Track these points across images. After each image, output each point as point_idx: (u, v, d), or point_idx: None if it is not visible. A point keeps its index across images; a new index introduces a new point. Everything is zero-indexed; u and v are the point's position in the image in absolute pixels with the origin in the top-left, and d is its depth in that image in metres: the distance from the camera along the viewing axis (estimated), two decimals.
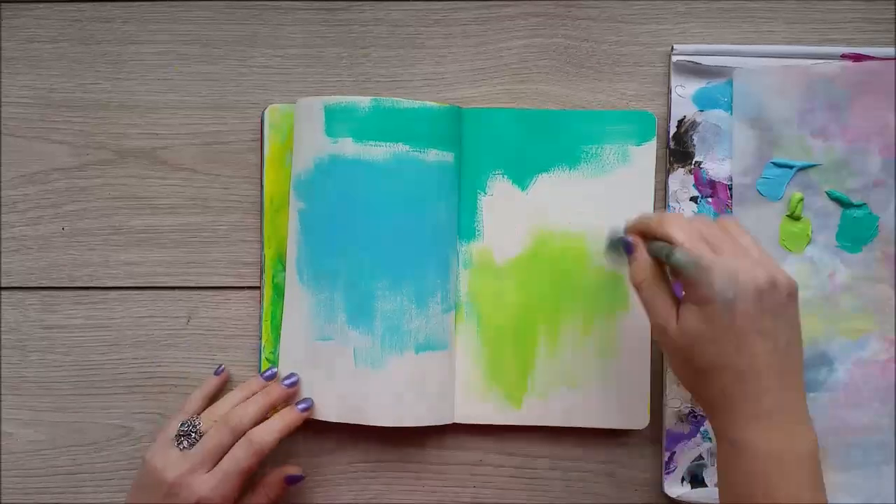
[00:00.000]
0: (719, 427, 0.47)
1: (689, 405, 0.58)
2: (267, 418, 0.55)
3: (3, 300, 0.60)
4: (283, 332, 0.58)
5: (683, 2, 0.59)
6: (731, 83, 0.58)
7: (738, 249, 0.47)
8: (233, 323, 0.60)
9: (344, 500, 0.59)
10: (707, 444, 0.58)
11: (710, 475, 0.58)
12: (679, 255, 0.46)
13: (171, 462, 0.52)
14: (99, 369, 0.60)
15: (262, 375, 0.58)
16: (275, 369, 0.58)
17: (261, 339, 0.59)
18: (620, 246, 0.51)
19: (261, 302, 0.59)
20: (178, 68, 0.60)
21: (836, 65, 0.58)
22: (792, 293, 0.46)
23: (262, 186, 0.59)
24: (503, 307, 0.58)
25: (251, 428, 0.54)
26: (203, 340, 0.60)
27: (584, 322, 0.58)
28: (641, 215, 0.51)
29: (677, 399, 0.58)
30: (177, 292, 0.60)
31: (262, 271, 0.59)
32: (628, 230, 0.51)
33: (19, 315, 0.60)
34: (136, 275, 0.60)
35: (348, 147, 0.56)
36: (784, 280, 0.46)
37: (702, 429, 0.58)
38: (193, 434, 0.54)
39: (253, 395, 0.56)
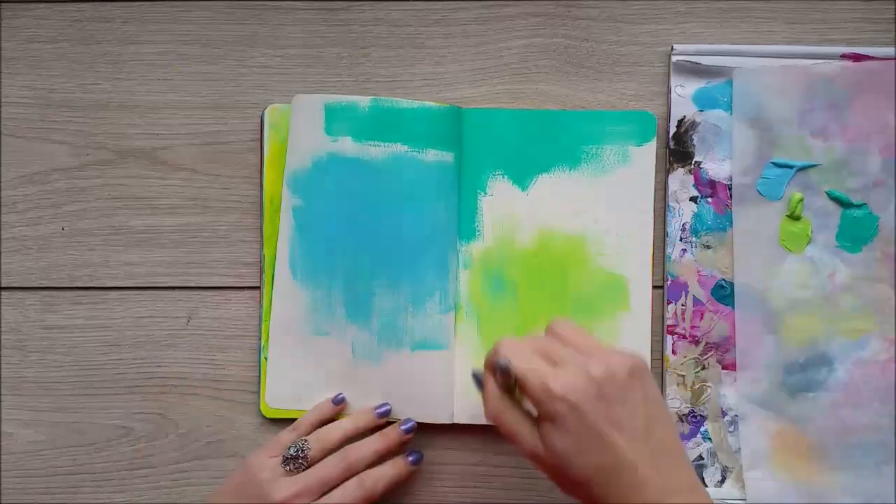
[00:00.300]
0: None
1: (689, 405, 0.58)
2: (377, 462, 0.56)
3: (3, 300, 0.60)
4: (272, 327, 0.58)
5: (683, 2, 0.59)
6: (730, 83, 0.58)
7: (574, 354, 0.47)
8: (233, 323, 0.60)
9: (344, 501, 0.59)
10: (707, 444, 0.58)
11: (710, 475, 0.58)
12: (503, 363, 0.47)
13: (280, 482, 0.53)
14: (99, 369, 0.60)
15: (375, 412, 0.57)
16: (388, 407, 0.57)
17: (260, 339, 0.59)
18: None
19: (261, 302, 0.59)
20: (178, 68, 0.60)
21: (836, 65, 0.58)
22: (634, 371, 0.46)
23: (261, 186, 0.59)
24: (503, 308, 0.58)
25: (364, 469, 0.55)
26: (203, 340, 0.60)
27: (584, 323, 0.58)
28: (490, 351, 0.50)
29: (677, 399, 0.58)
30: (177, 292, 0.60)
31: (262, 271, 0.59)
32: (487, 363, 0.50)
33: (19, 315, 0.60)
34: (136, 275, 0.60)
35: (348, 146, 0.57)
36: (620, 363, 0.45)
37: (702, 429, 0.58)
38: (301, 458, 0.54)
39: (363, 427, 0.56)
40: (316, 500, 0.53)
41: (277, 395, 0.59)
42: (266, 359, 0.59)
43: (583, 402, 0.44)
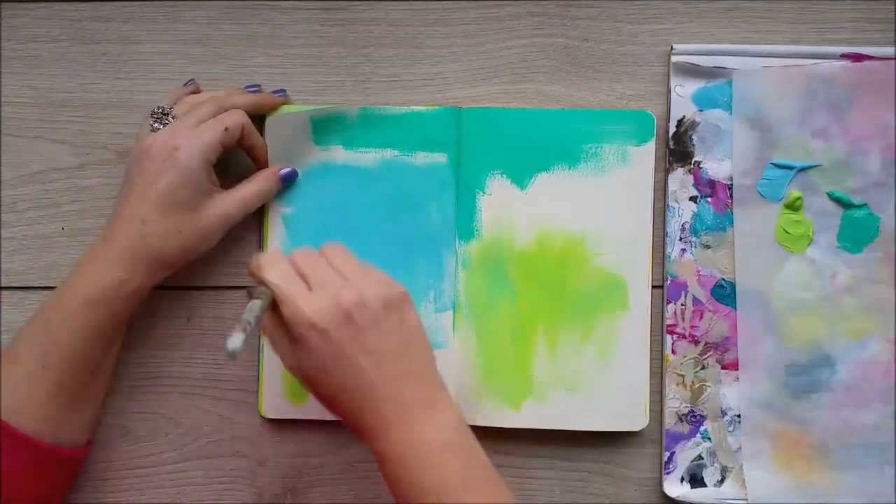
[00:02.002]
0: (367, 444, 0.49)
1: (689, 405, 0.58)
2: None
3: (3, 300, 0.60)
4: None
5: (683, 2, 0.59)
6: (730, 83, 0.58)
7: (332, 278, 0.48)
8: (233, 323, 0.60)
9: (344, 500, 0.59)
10: (707, 444, 0.58)
11: (710, 475, 0.58)
12: (252, 303, 0.48)
13: (151, 134, 0.54)
14: None
15: (246, 88, 0.59)
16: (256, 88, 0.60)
17: (260, 339, 0.59)
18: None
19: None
20: (178, 68, 0.60)
21: (836, 65, 0.57)
22: (390, 304, 0.49)
23: None
24: (502, 307, 0.58)
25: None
26: (203, 340, 0.60)
27: (583, 323, 0.58)
28: (254, 258, 0.51)
29: (677, 399, 0.58)
30: (177, 292, 0.60)
31: None
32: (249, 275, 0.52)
33: (19, 315, 0.60)
34: None
35: (339, 154, 0.58)
36: (375, 293, 0.48)
37: (701, 429, 0.58)
38: (169, 115, 0.55)
39: (236, 97, 0.57)
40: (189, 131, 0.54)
41: (274, 405, 0.59)
42: (262, 361, 0.59)
43: (329, 328, 0.47)
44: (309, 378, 0.49)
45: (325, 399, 0.50)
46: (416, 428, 0.48)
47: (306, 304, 0.47)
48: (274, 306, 0.49)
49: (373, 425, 0.48)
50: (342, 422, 0.50)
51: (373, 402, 0.48)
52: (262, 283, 0.49)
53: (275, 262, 0.49)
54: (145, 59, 0.60)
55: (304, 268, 0.49)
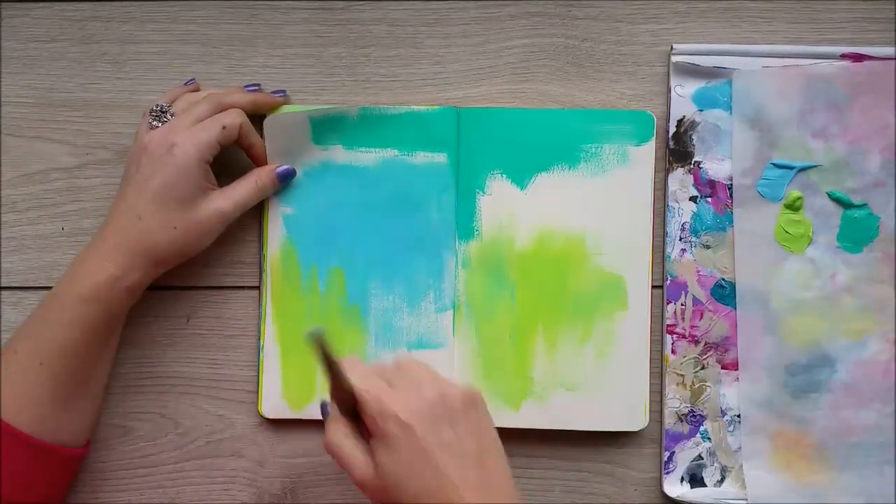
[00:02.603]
0: None
1: (689, 405, 0.58)
2: None
3: (3, 300, 0.60)
4: (279, 338, 0.59)
5: (683, 2, 0.59)
6: (730, 83, 0.58)
7: (411, 378, 0.48)
8: (233, 323, 0.60)
9: (344, 500, 0.59)
10: (706, 444, 0.58)
11: (710, 475, 0.58)
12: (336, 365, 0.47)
13: (149, 131, 0.55)
14: None
15: (245, 87, 0.59)
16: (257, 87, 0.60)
17: (260, 339, 0.59)
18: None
19: (260, 302, 0.59)
20: (178, 68, 0.60)
21: (837, 65, 0.57)
22: (469, 401, 0.47)
23: None
24: (502, 307, 0.58)
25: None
26: (203, 340, 0.60)
27: (582, 323, 0.58)
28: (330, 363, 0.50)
29: (676, 399, 0.58)
30: (177, 292, 0.60)
31: (261, 271, 0.59)
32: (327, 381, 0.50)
33: (19, 315, 0.60)
34: None
35: (339, 154, 0.58)
36: (456, 392, 0.47)
37: (701, 429, 0.58)
38: (168, 112, 0.56)
39: (235, 94, 0.58)
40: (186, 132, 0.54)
41: (274, 405, 0.59)
42: (262, 361, 0.59)
43: (415, 422, 0.45)
44: (388, 483, 0.46)
45: None
46: None
47: (391, 399, 0.46)
48: (354, 422, 0.48)
49: None
50: None
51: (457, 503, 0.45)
52: (340, 381, 0.48)
53: (354, 365, 0.48)
54: (145, 59, 0.60)
55: (382, 372, 0.49)
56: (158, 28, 0.60)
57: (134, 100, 0.60)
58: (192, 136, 0.54)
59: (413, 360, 0.50)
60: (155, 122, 0.55)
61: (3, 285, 0.60)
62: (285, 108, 0.59)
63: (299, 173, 0.58)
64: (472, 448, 0.46)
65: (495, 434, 0.48)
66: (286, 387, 0.59)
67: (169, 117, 0.55)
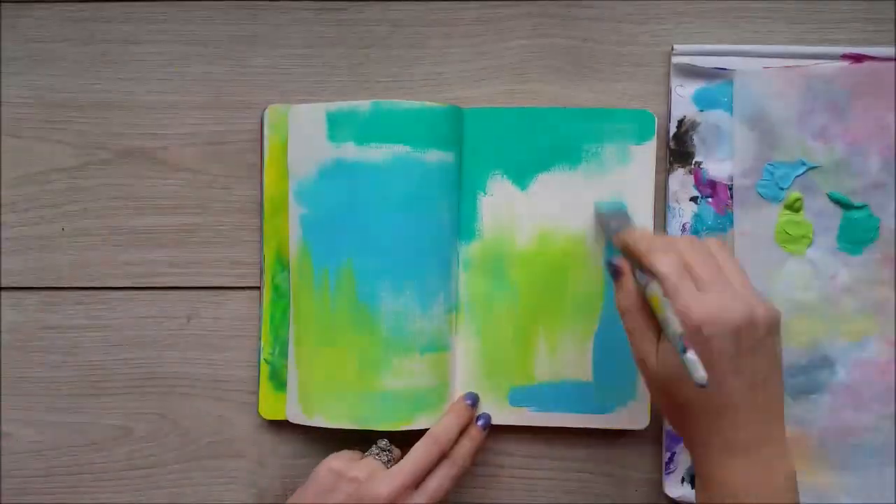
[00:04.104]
0: (696, 461, 0.47)
1: None
2: None
3: (3, 300, 0.60)
4: (295, 339, 0.58)
5: (683, 2, 0.59)
6: (731, 84, 0.58)
7: (721, 281, 0.46)
8: (233, 323, 0.60)
9: (344, 500, 0.59)
10: None
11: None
12: (659, 298, 0.46)
13: (378, 476, 0.52)
14: (99, 369, 0.60)
15: (465, 400, 0.58)
16: (476, 395, 0.58)
17: (260, 339, 0.59)
18: (608, 231, 0.51)
19: (261, 302, 0.59)
20: (178, 68, 0.60)
21: (837, 65, 0.57)
22: (771, 328, 0.46)
23: (261, 186, 0.59)
24: (503, 308, 0.58)
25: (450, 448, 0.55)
26: (203, 340, 0.60)
27: (583, 322, 0.58)
28: (634, 234, 0.50)
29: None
30: (177, 292, 0.60)
31: (262, 271, 0.59)
32: (618, 245, 0.51)
33: (19, 315, 0.60)
34: (136, 275, 0.60)
35: (350, 151, 0.56)
36: (763, 315, 0.45)
37: None
38: (391, 450, 0.55)
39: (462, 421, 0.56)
40: (416, 488, 0.52)
41: (294, 412, 0.59)
42: (266, 360, 0.59)
43: (716, 338, 0.44)
44: (666, 380, 0.46)
45: (674, 406, 0.47)
46: (763, 467, 0.45)
47: (697, 306, 0.44)
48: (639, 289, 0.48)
49: (719, 447, 0.46)
50: (676, 431, 0.48)
51: (729, 425, 0.45)
52: (644, 266, 0.47)
53: (667, 253, 0.47)
54: (145, 59, 0.60)
55: (693, 262, 0.46)
56: (158, 28, 0.60)
57: (134, 100, 0.60)
58: None
59: (724, 248, 0.49)
60: (383, 459, 0.55)
61: (3, 285, 0.60)
62: (301, 106, 0.58)
63: (314, 171, 0.57)
64: (761, 374, 0.45)
65: (781, 360, 0.47)
66: (302, 391, 0.58)
67: (394, 455, 0.55)
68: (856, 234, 0.57)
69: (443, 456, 0.54)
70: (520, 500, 0.59)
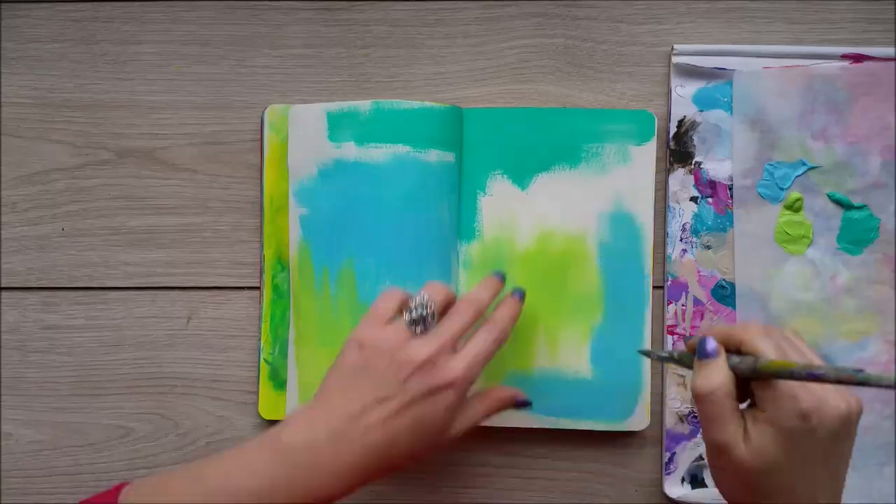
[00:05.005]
0: None
1: (690, 406, 0.58)
2: None
3: (3, 300, 0.60)
4: (296, 339, 0.58)
5: (683, 2, 0.59)
6: (731, 84, 0.58)
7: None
8: (233, 323, 0.60)
9: (343, 500, 0.59)
10: None
11: (710, 476, 0.58)
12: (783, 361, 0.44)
13: (413, 344, 0.48)
14: (99, 369, 0.60)
15: (493, 275, 0.54)
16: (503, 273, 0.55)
17: (260, 339, 0.59)
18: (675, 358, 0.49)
19: (261, 302, 0.59)
20: (178, 68, 0.60)
21: (837, 65, 0.57)
22: (851, 421, 0.44)
23: (261, 186, 0.59)
24: None
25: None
26: (203, 340, 0.60)
27: (583, 323, 0.58)
28: (720, 326, 0.49)
29: (677, 399, 0.58)
30: (177, 292, 0.60)
31: (261, 272, 0.59)
32: (707, 333, 0.47)
33: (19, 315, 0.60)
34: (136, 275, 0.60)
35: (351, 150, 0.56)
36: (857, 408, 0.43)
37: None
38: (429, 317, 0.49)
39: (493, 293, 0.53)
40: (454, 353, 0.49)
41: (273, 406, 0.59)
42: (266, 360, 0.59)
43: (821, 430, 0.42)
44: (756, 468, 0.43)
45: (751, 492, 0.44)
46: None
47: (803, 393, 0.42)
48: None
49: None
50: None
51: None
52: (739, 346, 0.45)
53: (767, 337, 0.45)
54: (145, 59, 0.60)
55: (785, 348, 0.45)
56: (158, 28, 0.60)
57: (134, 100, 0.60)
58: (466, 373, 0.49)
59: (803, 339, 0.47)
60: (418, 329, 0.49)
61: (3, 285, 0.60)
62: (301, 105, 0.58)
63: (315, 171, 0.57)
64: (843, 466, 0.44)
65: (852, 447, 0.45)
66: (302, 391, 0.58)
67: (431, 322, 0.50)
68: (856, 234, 0.57)
69: (478, 318, 0.51)
70: (520, 500, 0.59)
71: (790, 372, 0.42)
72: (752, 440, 0.43)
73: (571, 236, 0.58)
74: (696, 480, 0.58)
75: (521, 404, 0.55)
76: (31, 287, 0.60)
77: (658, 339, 0.59)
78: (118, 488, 0.47)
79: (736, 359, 0.45)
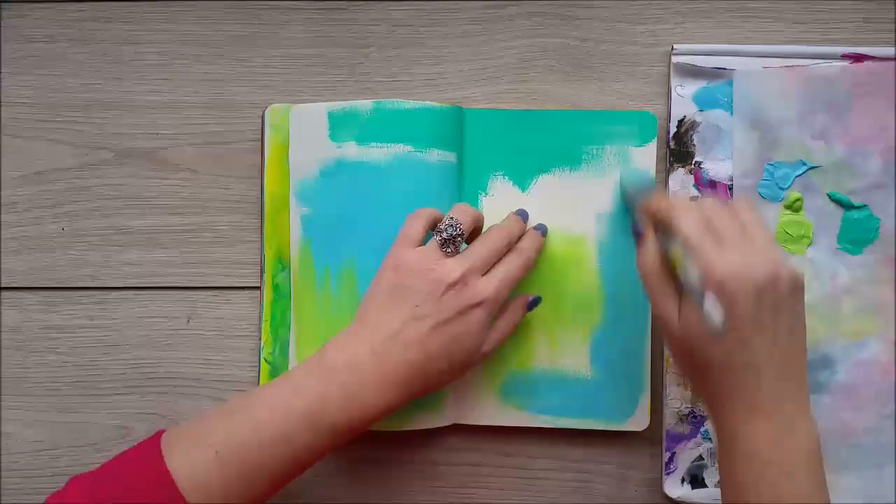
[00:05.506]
0: (718, 422, 0.47)
1: (690, 405, 0.58)
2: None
3: (3, 300, 0.60)
4: (296, 339, 0.58)
5: (683, 2, 0.59)
6: (731, 84, 0.58)
7: (743, 240, 0.46)
8: (233, 323, 0.60)
9: (344, 501, 0.59)
10: (707, 445, 0.58)
11: (711, 476, 0.58)
12: (681, 255, 0.46)
13: (446, 264, 0.51)
14: (99, 369, 0.60)
15: (515, 213, 0.57)
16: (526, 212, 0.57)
17: (260, 339, 0.59)
18: (632, 208, 0.53)
19: (261, 302, 0.59)
20: (178, 68, 0.60)
21: (837, 65, 0.57)
22: (796, 287, 0.46)
23: (262, 186, 0.59)
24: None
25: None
26: (203, 340, 0.60)
27: (583, 324, 0.58)
28: (658, 198, 0.51)
29: (677, 399, 0.58)
30: (177, 292, 0.60)
31: (262, 271, 0.59)
32: (641, 211, 0.51)
33: (19, 315, 0.60)
34: (136, 275, 0.60)
35: (351, 150, 0.56)
36: (787, 275, 0.46)
37: (702, 429, 0.58)
38: (458, 237, 0.51)
39: (516, 227, 0.56)
40: (483, 275, 0.52)
41: None
42: (266, 360, 0.59)
43: (738, 297, 0.44)
44: (688, 342, 0.46)
45: (694, 367, 0.47)
46: (785, 427, 0.45)
47: (720, 263, 0.45)
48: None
49: (741, 408, 0.46)
50: (694, 391, 0.48)
51: (751, 385, 0.45)
52: (667, 227, 0.48)
53: (690, 212, 0.47)
54: (145, 59, 0.60)
55: (716, 221, 0.47)
56: (158, 28, 0.60)
57: (134, 100, 0.60)
58: (497, 294, 0.51)
59: (750, 207, 0.49)
60: (448, 250, 0.51)
61: (3, 285, 0.60)
62: (302, 105, 0.58)
63: (316, 171, 0.57)
64: (783, 335, 0.45)
65: (805, 322, 0.47)
66: None
67: (461, 242, 0.52)
68: (856, 234, 0.57)
69: (510, 245, 0.54)
70: (520, 500, 0.59)
71: (662, 245, 0.48)
72: (683, 311, 0.47)
73: (571, 237, 0.58)
74: (696, 480, 0.58)
75: (533, 304, 0.57)
76: (31, 287, 0.60)
77: (658, 339, 0.59)
78: (158, 434, 0.48)
79: (663, 240, 0.48)
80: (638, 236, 0.51)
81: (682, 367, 0.49)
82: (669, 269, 0.49)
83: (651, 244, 0.49)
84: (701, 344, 0.46)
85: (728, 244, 0.46)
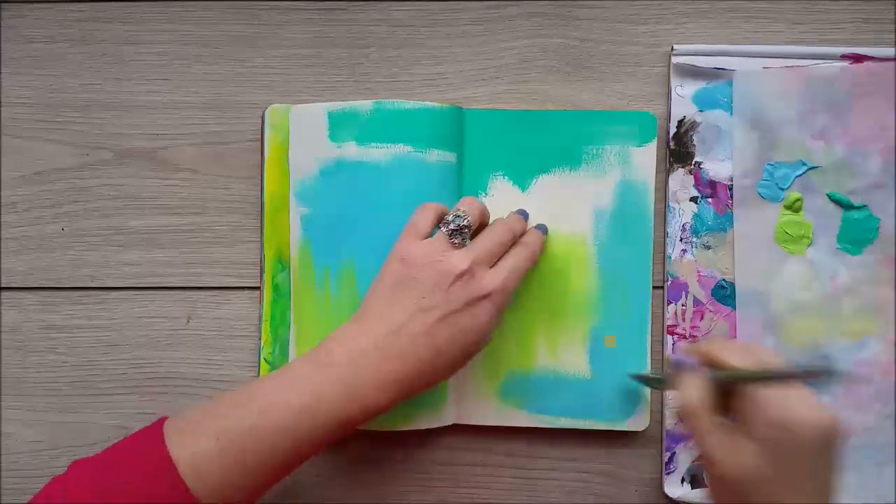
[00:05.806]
0: None
1: None
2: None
3: (3, 300, 0.60)
4: (296, 339, 0.58)
5: (683, 2, 0.59)
6: (731, 84, 0.58)
7: (803, 393, 0.45)
8: (233, 323, 0.60)
9: (344, 501, 0.59)
10: None
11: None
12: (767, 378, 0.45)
13: (453, 255, 0.50)
14: (99, 369, 0.60)
15: (516, 212, 0.57)
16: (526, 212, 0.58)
17: (260, 339, 0.59)
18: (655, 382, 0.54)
19: (261, 302, 0.59)
20: (178, 68, 0.60)
21: (837, 66, 0.57)
22: (840, 435, 0.45)
23: (262, 186, 0.59)
24: None
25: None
26: (203, 340, 0.60)
27: (583, 324, 0.58)
28: (694, 344, 0.52)
29: (677, 399, 0.58)
30: (177, 292, 0.60)
31: (262, 271, 0.59)
32: (687, 352, 0.51)
33: (19, 315, 0.60)
34: (136, 275, 0.60)
35: (351, 150, 0.56)
36: (831, 422, 0.44)
37: None
38: (465, 229, 0.51)
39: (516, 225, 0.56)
40: (489, 268, 0.51)
41: None
42: (266, 360, 0.59)
43: (808, 442, 0.43)
44: (741, 480, 0.44)
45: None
46: None
47: (799, 406, 0.44)
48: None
49: None
50: None
51: None
52: (714, 364, 0.48)
53: (742, 353, 0.47)
54: (145, 59, 0.60)
55: (748, 357, 0.47)
56: (158, 28, 0.60)
57: (134, 100, 0.60)
58: (504, 285, 0.51)
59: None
60: (456, 241, 0.51)
61: (2, 285, 0.60)
62: (301, 105, 0.58)
63: (316, 171, 0.57)
64: (831, 482, 0.45)
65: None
66: None
67: (468, 234, 0.52)
68: (856, 234, 0.57)
69: (515, 239, 0.54)
70: (520, 500, 0.59)
71: (750, 374, 0.46)
72: (733, 453, 0.45)
73: (571, 237, 0.58)
74: (696, 480, 0.58)
75: (545, 230, 0.57)
76: (31, 287, 0.60)
77: (658, 340, 0.59)
78: (161, 421, 0.48)
79: (711, 373, 0.47)
80: (679, 368, 0.49)
81: (719, 493, 0.47)
82: (713, 406, 0.47)
83: (699, 379, 0.47)
84: (755, 482, 0.44)
85: (791, 394, 0.45)
